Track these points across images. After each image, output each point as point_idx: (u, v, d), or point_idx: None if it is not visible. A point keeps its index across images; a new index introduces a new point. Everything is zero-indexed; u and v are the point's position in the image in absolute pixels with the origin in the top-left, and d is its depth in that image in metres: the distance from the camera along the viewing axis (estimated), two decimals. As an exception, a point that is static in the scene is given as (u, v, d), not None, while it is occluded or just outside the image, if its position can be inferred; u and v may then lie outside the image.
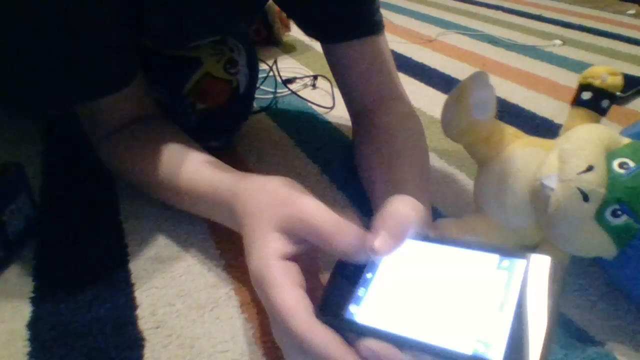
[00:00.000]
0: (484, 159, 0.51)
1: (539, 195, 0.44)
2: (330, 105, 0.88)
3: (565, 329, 0.44)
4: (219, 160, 0.49)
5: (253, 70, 0.68)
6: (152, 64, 0.60)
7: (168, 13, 0.52)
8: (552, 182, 0.42)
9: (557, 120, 0.86)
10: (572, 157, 0.42)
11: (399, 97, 0.64)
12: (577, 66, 1.17)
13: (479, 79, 0.48)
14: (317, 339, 0.29)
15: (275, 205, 0.36)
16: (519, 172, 0.47)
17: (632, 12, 1.85)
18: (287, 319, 0.30)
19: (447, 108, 0.50)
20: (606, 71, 0.47)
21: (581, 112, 0.49)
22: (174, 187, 0.49)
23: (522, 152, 0.49)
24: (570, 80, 1.07)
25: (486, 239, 0.50)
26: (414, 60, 1.17)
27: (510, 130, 0.51)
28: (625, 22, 1.68)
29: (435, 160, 0.71)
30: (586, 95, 0.49)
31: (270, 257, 0.33)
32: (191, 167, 0.48)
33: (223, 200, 0.42)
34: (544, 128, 0.82)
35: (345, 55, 0.63)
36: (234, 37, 0.67)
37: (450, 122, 0.50)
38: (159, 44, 0.60)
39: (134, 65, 0.54)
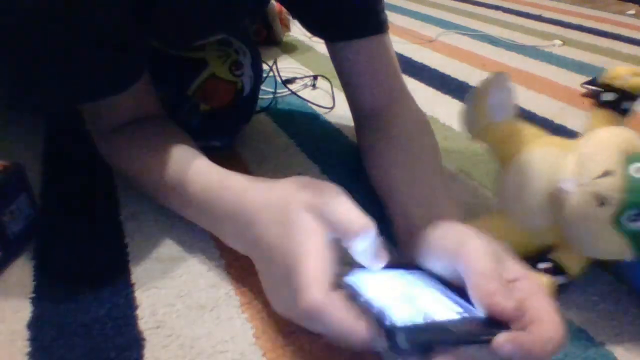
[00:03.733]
0: (504, 159, 0.52)
1: (556, 198, 0.45)
2: (330, 105, 0.88)
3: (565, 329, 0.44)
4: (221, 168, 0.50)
5: (257, 72, 0.69)
6: (157, 63, 0.60)
7: (175, 11, 0.52)
8: (569, 186, 0.43)
9: (557, 121, 0.86)
10: (590, 162, 0.42)
11: (408, 97, 0.65)
12: (577, 66, 1.17)
13: (497, 80, 0.48)
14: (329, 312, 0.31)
15: (304, 190, 0.38)
16: (538, 173, 0.48)
17: (632, 12, 1.85)
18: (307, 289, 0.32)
19: (466, 108, 0.51)
20: (629, 72, 0.48)
21: (604, 113, 0.49)
22: (180, 192, 0.49)
23: (542, 153, 0.49)
24: (570, 81, 1.07)
25: (504, 239, 0.50)
26: (414, 60, 1.17)
27: (530, 130, 0.52)
28: (625, 22, 1.68)
29: (435, 160, 0.71)
30: (608, 97, 0.49)
31: (306, 225, 0.35)
32: (198, 171, 0.48)
33: (232, 199, 0.43)
34: (544, 128, 0.82)
35: (351, 54, 0.63)
36: (239, 39, 0.67)
37: (469, 122, 0.50)
38: (164, 43, 0.60)
39: (140, 64, 0.54)
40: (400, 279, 0.36)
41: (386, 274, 0.37)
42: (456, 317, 0.31)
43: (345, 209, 0.36)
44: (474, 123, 0.49)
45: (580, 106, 0.91)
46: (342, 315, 0.31)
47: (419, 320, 0.30)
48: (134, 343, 0.41)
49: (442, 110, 0.88)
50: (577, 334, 0.43)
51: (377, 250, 0.36)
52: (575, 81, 1.06)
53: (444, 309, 0.32)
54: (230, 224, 0.44)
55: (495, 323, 0.31)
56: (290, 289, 0.34)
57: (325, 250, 0.34)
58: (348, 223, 0.35)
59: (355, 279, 0.34)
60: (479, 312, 0.32)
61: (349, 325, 0.31)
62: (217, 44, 0.65)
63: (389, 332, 0.29)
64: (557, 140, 0.51)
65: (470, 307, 0.33)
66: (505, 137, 0.50)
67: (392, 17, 1.60)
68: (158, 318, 0.44)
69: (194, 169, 0.48)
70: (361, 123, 0.66)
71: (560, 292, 0.45)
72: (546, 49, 1.30)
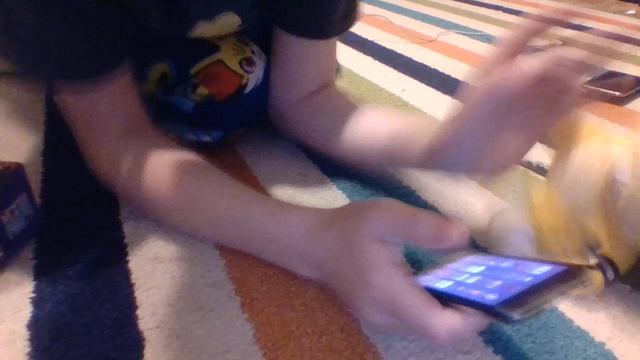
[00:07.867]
0: (561, 152, 0.52)
1: (611, 190, 0.45)
2: (330, 105, 0.88)
3: (565, 329, 0.44)
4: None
5: (267, 79, 0.68)
6: (169, 38, 0.61)
7: None
8: (624, 177, 0.43)
9: (557, 120, 0.85)
10: None
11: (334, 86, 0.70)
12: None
13: None
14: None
15: (355, 220, 0.39)
16: (593, 168, 0.48)
17: (632, 12, 1.85)
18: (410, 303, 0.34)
19: None
20: None
21: None
22: (217, 232, 0.51)
23: (597, 148, 0.49)
24: (570, 80, 1.07)
25: (554, 231, 0.50)
26: (414, 60, 1.17)
27: (587, 126, 0.52)
28: (625, 22, 1.68)
29: (435, 160, 0.71)
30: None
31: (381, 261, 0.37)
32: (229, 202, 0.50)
33: (294, 242, 0.46)
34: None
35: (301, 48, 0.64)
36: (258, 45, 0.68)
37: None
38: (159, 28, 0.59)
39: (117, 55, 0.53)
40: (463, 267, 0.38)
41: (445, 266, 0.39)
42: (540, 269, 0.33)
43: (431, 222, 0.37)
44: None
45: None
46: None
47: (514, 290, 0.31)
48: (134, 343, 0.41)
49: (442, 110, 0.88)
50: (577, 333, 0.43)
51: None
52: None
53: (525, 270, 0.34)
54: (294, 259, 0.47)
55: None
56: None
57: (407, 280, 0.36)
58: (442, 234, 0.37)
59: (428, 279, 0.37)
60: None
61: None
62: (236, 40, 0.65)
63: (499, 314, 0.30)
64: (617, 136, 0.51)
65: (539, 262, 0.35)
66: (562, 131, 0.51)
67: (392, 16, 1.60)
68: (158, 318, 0.44)
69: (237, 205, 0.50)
70: (288, 109, 0.68)
71: (607, 287, 0.45)
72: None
